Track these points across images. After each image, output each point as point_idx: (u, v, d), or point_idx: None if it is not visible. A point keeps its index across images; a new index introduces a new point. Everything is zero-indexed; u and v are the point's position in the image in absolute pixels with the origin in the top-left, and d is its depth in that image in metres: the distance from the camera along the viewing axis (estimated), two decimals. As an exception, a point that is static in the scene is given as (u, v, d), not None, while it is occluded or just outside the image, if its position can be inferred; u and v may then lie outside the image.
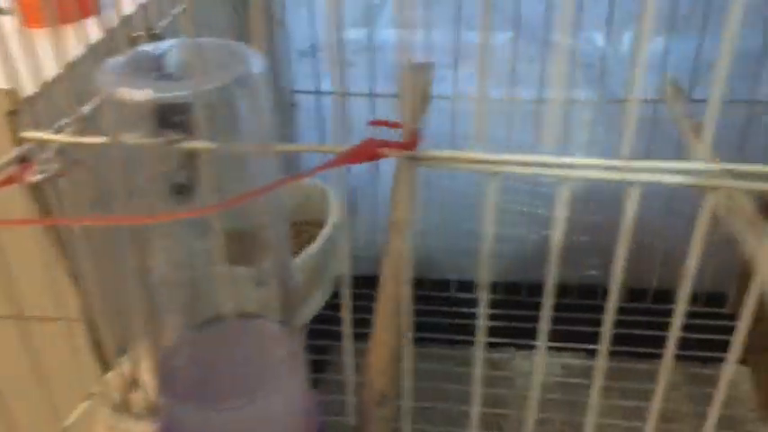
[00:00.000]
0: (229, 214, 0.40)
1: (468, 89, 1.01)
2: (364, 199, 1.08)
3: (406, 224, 0.71)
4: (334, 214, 0.78)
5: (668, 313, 1.18)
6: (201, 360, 0.42)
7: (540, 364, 0.43)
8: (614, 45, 0.99)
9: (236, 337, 0.43)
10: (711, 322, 1.07)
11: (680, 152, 0.85)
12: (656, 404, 0.44)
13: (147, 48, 0.37)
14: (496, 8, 0.95)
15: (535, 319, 1.15)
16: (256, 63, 0.35)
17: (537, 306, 1.27)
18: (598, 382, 0.43)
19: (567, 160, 0.38)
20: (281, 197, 0.38)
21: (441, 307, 1.14)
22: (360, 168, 1.11)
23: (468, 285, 1.12)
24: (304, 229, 0.85)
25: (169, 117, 0.32)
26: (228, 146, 0.34)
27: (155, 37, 0.63)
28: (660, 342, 1.04)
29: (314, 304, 0.76)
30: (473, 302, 1.26)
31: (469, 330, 1.08)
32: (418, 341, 1.09)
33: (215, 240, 0.41)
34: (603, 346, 0.42)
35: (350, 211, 1.10)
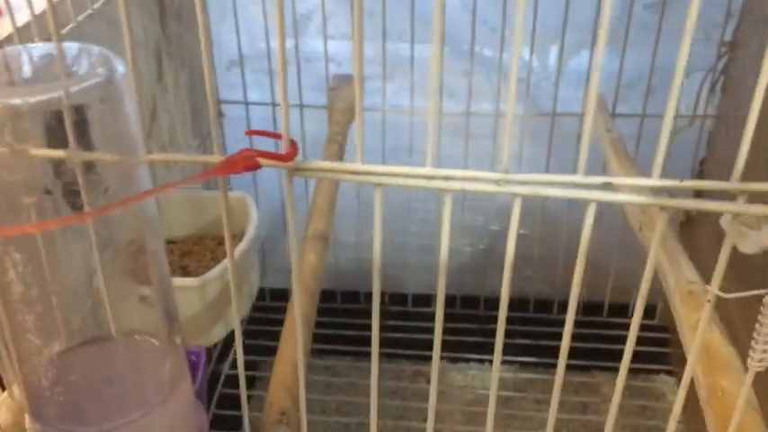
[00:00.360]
0: (104, 227, 0.38)
1: (398, 101, 1.01)
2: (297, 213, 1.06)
3: (321, 237, 0.69)
4: (253, 227, 0.76)
5: (597, 325, 1.18)
6: (78, 380, 0.40)
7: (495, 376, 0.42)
8: (541, 59, 0.99)
9: (115, 356, 0.41)
10: (641, 334, 1.08)
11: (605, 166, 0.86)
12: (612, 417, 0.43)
13: (9, 51, 0.35)
14: (423, 21, 0.95)
15: (468, 332, 1.15)
16: (119, 67, 0.33)
17: (471, 319, 1.26)
18: (557, 395, 0.42)
19: (448, 172, 0.37)
20: (153, 209, 0.37)
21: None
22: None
23: (401, 298, 1.12)
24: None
25: (20, 123, 0.31)
26: (80, 154, 0.32)
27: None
28: (591, 354, 1.05)
29: (231, 319, 0.74)
30: (406, 315, 1.25)
31: (401, 343, 1.08)
32: (352, 355, 1.09)
33: (95, 254, 0.39)
34: (561, 360, 0.41)
35: (279, 224, 1.08)
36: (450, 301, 1.14)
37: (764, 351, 0.39)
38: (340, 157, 0.81)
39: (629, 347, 0.41)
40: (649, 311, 1.10)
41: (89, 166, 0.34)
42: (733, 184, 0.35)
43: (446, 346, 1.18)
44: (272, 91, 1.00)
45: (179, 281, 0.69)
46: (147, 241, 0.37)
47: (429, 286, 1.11)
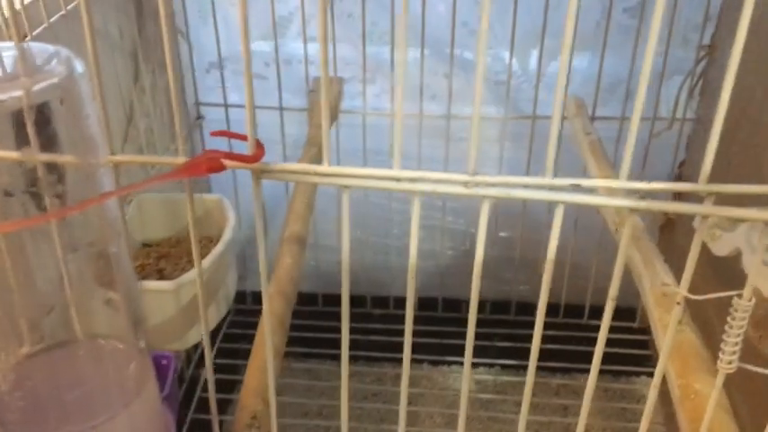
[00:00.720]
0: (66, 229, 0.38)
1: (379, 104, 1.01)
2: (277, 216, 1.06)
3: (298, 240, 0.69)
4: (230, 230, 0.76)
5: (578, 328, 1.18)
6: (41, 385, 0.40)
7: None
8: (522, 63, 0.99)
9: (79, 359, 0.41)
10: (622, 336, 1.08)
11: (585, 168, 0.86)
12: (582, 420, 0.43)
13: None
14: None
15: (451, 335, 1.15)
16: (78, 67, 0.33)
17: (454, 321, 1.26)
18: (527, 398, 0.42)
19: (415, 174, 0.37)
20: (115, 211, 0.36)
21: (358, 324, 1.12)
22: (271, 185, 1.09)
23: (383, 301, 1.11)
24: (203, 244, 0.82)
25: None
26: (36, 155, 0.32)
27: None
28: (572, 357, 1.05)
29: (210, 319, 0.73)
30: (388, 318, 1.25)
31: (383, 347, 1.07)
32: (333, 358, 1.09)
33: (59, 257, 0.38)
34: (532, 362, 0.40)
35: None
36: (432, 303, 1.13)
37: (733, 353, 0.39)
38: (318, 159, 0.81)
39: (599, 350, 0.40)
40: (630, 314, 1.10)
41: (51, 168, 0.34)
42: (700, 186, 0.35)
43: (428, 348, 1.18)
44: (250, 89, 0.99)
45: (153, 284, 0.68)
46: (110, 244, 0.37)
47: (386, 288, 1.11)
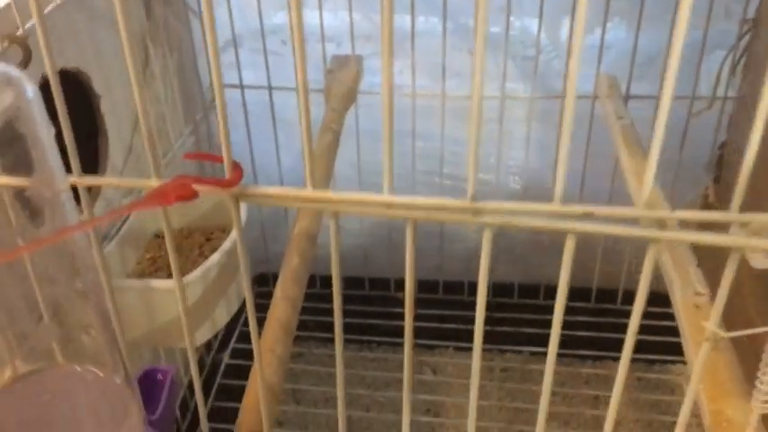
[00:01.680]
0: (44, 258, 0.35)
1: (399, 81, 0.96)
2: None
3: (308, 235, 0.66)
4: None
5: (608, 313, 1.13)
6: (13, 417, 0.38)
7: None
8: (551, 35, 0.93)
9: (56, 389, 0.38)
10: (656, 323, 1.03)
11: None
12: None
13: None
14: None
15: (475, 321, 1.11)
16: (28, 89, 0.29)
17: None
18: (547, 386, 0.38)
19: (409, 200, 0.33)
20: (81, 242, 0.33)
21: (381, 308, 1.09)
22: (291, 159, 1.04)
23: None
24: (215, 236, 0.80)
25: None
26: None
27: (18, 41, 0.57)
28: (604, 344, 1.01)
29: (218, 320, 0.71)
30: (415, 302, 1.21)
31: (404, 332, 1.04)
32: (349, 343, 1.06)
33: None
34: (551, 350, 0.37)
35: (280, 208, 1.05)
36: (458, 287, 1.10)
37: (769, 394, 0.35)
38: (334, 147, 0.77)
39: (630, 336, 0.36)
40: (665, 300, 1.05)
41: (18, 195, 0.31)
42: (733, 215, 0.31)
43: (453, 334, 1.14)
44: (267, 72, 0.95)
45: (158, 283, 0.66)
46: (75, 280, 0.34)
47: (437, 271, 1.07)
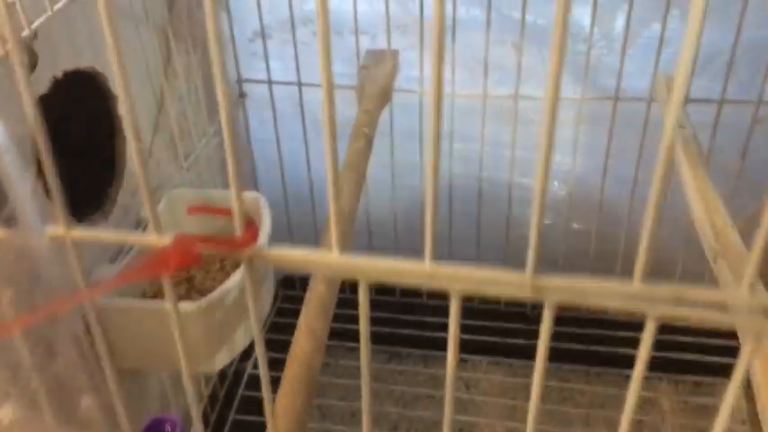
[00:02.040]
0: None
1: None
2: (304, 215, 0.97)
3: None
4: (264, 235, 0.68)
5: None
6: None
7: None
8: (604, 29, 0.86)
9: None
10: (709, 341, 0.96)
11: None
12: None
13: None
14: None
15: (511, 333, 1.05)
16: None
17: (518, 318, 1.15)
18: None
19: (453, 271, 0.27)
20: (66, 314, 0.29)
21: (410, 316, 1.04)
22: (293, 176, 0.98)
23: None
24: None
25: None
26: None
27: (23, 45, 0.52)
28: (651, 363, 0.94)
29: (239, 341, 0.66)
30: (445, 311, 1.15)
31: (440, 344, 0.99)
32: (384, 354, 1.01)
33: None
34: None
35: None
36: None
37: None
38: (366, 154, 0.71)
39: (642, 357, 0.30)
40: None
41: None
42: None
43: (488, 347, 1.07)
44: (297, 66, 0.89)
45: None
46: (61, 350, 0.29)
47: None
